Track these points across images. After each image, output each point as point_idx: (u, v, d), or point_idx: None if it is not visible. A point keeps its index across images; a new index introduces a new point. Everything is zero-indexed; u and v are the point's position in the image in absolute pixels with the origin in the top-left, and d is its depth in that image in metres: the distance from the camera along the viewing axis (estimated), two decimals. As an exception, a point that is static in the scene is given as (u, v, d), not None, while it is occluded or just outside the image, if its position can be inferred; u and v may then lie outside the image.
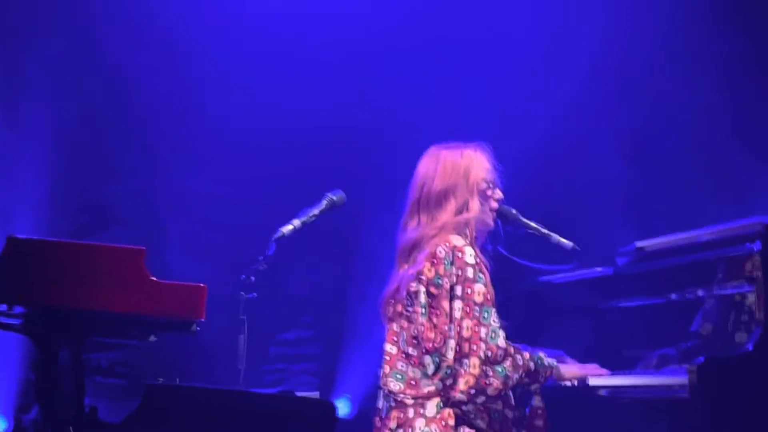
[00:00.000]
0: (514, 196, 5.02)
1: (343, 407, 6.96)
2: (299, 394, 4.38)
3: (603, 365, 4.86)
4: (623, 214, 6.68)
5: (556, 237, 5.01)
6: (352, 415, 7.00)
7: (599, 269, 5.18)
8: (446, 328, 4.59)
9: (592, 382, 4.72)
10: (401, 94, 7.14)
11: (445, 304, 4.60)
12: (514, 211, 4.97)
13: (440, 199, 4.74)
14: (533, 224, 5.01)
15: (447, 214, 4.72)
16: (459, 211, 4.74)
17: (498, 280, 4.73)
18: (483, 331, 4.56)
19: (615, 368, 4.85)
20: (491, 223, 4.85)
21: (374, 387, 6.61)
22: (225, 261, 6.94)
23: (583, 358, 4.94)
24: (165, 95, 7.10)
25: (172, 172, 7.11)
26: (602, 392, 4.75)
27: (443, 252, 4.65)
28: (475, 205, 4.78)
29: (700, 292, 4.79)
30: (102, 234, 7.03)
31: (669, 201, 6.78)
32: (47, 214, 6.78)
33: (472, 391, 4.57)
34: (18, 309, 4.43)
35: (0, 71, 6.79)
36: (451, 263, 4.62)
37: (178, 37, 7.17)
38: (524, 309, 5.35)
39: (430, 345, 4.62)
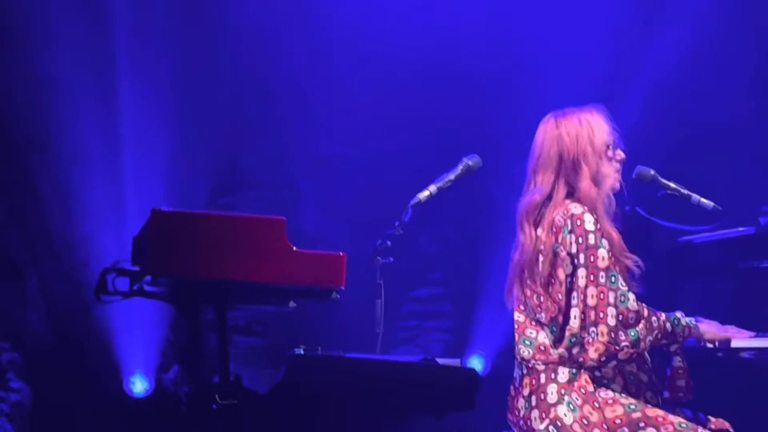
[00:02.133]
0: (646, 154, 4.97)
1: (476, 364, 6.99)
2: (441, 361, 4.39)
3: (745, 326, 4.78)
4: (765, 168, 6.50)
5: (696, 197, 4.96)
6: (486, 372, 7.02)
7: (741, 228, 5.09)
8: (560, 297, 4.57)
9: (735, 343, 4.66)
10: (530, 54, 7.06)
11: (560, 272, 4.57)
12: (652, 172, 4.93)
13: (575, 167, 4.69)
14: (672, 184, 4.97)
15: (583, 181, 4.68)
16: (594, 179, 4.69)
17: (636, 242, 4.69)
18: (611, 296, 4.52)
19: (757, 330, 4.77)
20: (617, 185, 4.80)
21: (507, 344, 6.64)
22: (358, 222, 6.99)
23: (723, 319, 4.87)
24: (296, 58, 7.13)
25: (302, 132, 7.16)
26: (745, 354, 4.69)
27: (561, 220, 4.62)
28: (607, 170, 4.74)
29: None
30: (237, 195, 7.12)
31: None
32: (182, 176, 6.88)
33: (603, 358, 4.55)
34: (162, 279, 4.52)
35: (136, 33, 6.86)
36: (570, 231, 4.59)
37: (310, 2, 7.18)
38: (663, 269, 5.29)
39: (548, 315, 4.61)
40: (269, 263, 4.29)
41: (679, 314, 4.68)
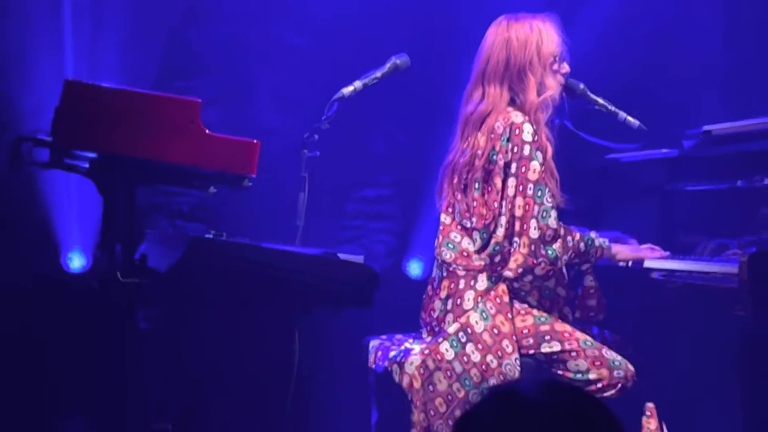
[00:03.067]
0: (601, 69, 4.91)
1: (415, 268, 6.99)
2: (343, 256, 4.39)
3: (663, 247, 4.80)
4: (717, 98, 6.41)
5: (623, 115, 4.93)
6: (424, 277, 7.02)
7: (664, 150, 5.08)
8: (496, 204, 4.57)
9: (647, 264, 4.69)
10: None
11: (497, 180, 4.57)
12: (582, 86, 4.89)
13: (521, 76, 4.67)
14: (601, 100, 4.94)
15: (529, 93, 4.65)
16: (538, 90, 4.67)
17: (562, 155, 4.67)
18: (536, 209, 4.53)
19: (672, 252, 4.78)
20: (558, 97, 4.78)
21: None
22: (313, 114, 6.93)
23: (642, 238, 4.89)
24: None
25: (261, 21, 7.07)
26: (655, 275, 4.71)
27: (501, 128, 4.60)
28: (550, 81, 4.71)
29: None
30: (190, 79, 7.06)
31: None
32: (134, 57, 6.81)
33: (520, 270, 4.56)
34: (80, 152, 4.50)
35: None
36: (508, 140, 4.58)
37: None
38: (588, 185, 5.28)
39: (481, 221, 4.60)
40: (181, 145, 4.27)
41: (593, 234, 4.69)
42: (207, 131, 4.29)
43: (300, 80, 7.11)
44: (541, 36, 4.70)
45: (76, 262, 6.83)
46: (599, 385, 4.51)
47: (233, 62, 7.10)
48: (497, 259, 4.60)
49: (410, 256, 7.06)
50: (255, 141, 4.32)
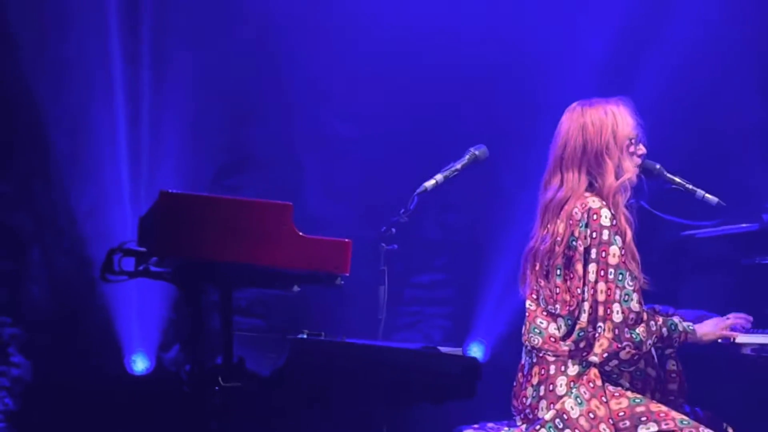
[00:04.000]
0: (653, 149, 4.97)
1: (476, 351, 7.01)
2: (443, 349, 4.42)
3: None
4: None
5: (701, 192, 4.97)
6: (485, 360, 7.04)
7: (744, 225, 5.12)
8: (578, 291, 4.60)
9: (739, 339, 4.70)
10: (539, 47, 7.06)
11: (579, 267, 4.61)
12: (658, 166, 4.94)
13: (598, 160, 4.72)
14: (677, 179, 4.99)
15: (608, 176, 4.70)
16: (615, 173, 4.72)
17: (640, 235, 4.71)
18: (618, 293, 4.55)
19: (757, 326, 4.80)
20: (635, 179, 4.82)
21: (508, 332, 6.65)
22: (363, 203, 7.01)
23: (724, 314, 4.90)
24: (304, 36, 7.13)
25: (310, 113, 7.16)
26: (746, 350, 4.72)
27: (579, 214, 4.64)
28: (627, 164, 4.76)
29: None
30: (242, 175, 7.13)
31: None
32: (188, 156, 6.89)
33: (605, 355, 4.58)
34: (168, 260, 4.53)
35: (145, 17, 6.88)
36: (586, 225, 4.61)
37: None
38: (666, 263, 5.31)
39: (565, 308, 4.63)
40: (275, 248, 4.30)
41: (676, 319, 4.70)
42: (300, 233, 4.33)
43: (348, 169, 7.18)
44: (616, 120, 4.76)
45: (140, 364, 6.84)
46: (697, 463, 4.51)
47: (283, 155, 7.18)
48: (582, 344, 4.62)
49: (470, 340, 7.08)
50: (347, 240, 4.36)
